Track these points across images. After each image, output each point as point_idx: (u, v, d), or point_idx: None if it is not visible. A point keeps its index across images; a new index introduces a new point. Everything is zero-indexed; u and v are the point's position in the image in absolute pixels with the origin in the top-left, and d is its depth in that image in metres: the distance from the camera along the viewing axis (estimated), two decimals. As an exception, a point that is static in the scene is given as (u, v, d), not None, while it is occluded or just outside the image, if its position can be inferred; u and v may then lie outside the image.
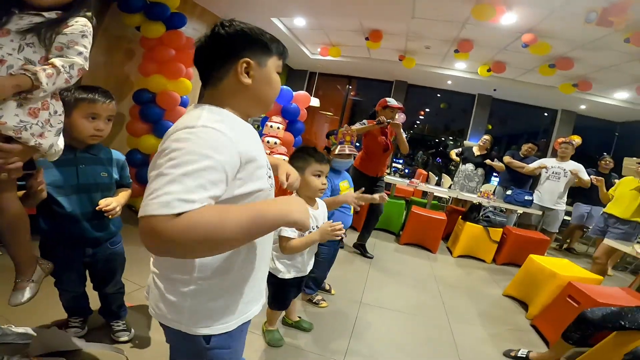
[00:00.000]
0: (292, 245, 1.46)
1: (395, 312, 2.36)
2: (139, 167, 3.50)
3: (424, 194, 5.10)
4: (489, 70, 5.22)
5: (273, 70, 0.84)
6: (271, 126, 3.59)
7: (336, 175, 2.10)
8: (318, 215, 1.59)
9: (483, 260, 3.79)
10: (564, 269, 2.61)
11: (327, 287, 2.46)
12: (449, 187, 5.10)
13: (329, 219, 1.71)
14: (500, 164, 4.44)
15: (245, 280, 0.84)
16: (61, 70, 1.02)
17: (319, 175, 1.54)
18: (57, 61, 1.02)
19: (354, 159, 2.26)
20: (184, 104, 3.70)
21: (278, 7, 4.39)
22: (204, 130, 0.67)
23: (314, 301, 2.25)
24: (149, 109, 3.43)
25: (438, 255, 3.76)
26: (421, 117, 8.24)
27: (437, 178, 5.80)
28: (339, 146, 2.14)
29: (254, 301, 0.89)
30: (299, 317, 1.99)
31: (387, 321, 2.22)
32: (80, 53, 1.09)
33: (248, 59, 0.78)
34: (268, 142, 3.53)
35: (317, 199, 1.62)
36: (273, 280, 1.62)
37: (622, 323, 1.68)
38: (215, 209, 0.63)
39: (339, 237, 1.46)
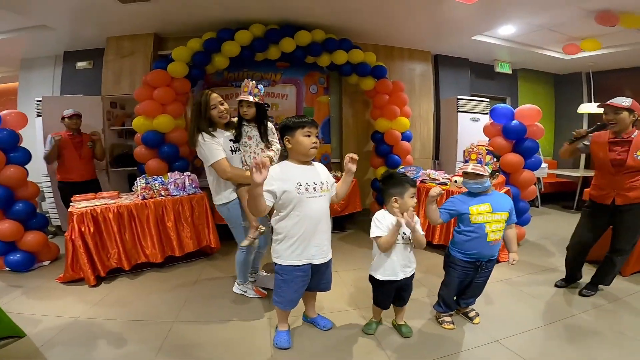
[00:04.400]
0: (380, 242, 1.84)
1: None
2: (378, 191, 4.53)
3: None
4: None
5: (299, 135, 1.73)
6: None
7: (469, 198, 2.00)
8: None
9: None
10: None
11: (472, 314, 2.22)
12: None
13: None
14: None
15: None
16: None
17: (413, 197, 1.84)
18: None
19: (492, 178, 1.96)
20: (407, 138, 4.40)
21: (474, 27, 4.32)
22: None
23: (439, 320, 2.18)
24: (380, 146, 4.46)
25: None
26: None
27: None
28: (463, 165, 2.03)
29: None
30: (404, 322, 2.10)
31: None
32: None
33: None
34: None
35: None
36: (372, 279, 2.00)
37: None
38: None
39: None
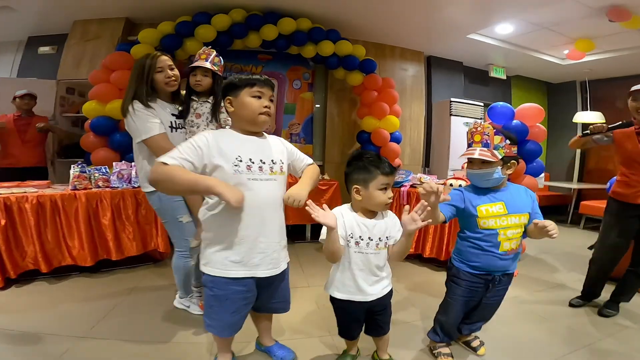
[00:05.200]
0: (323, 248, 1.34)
1: None
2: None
3: None
4: None
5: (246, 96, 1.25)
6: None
7: (476, 195, 1.52)
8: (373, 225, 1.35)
9: None
10: None
11: (476, 344, 1.72)
12: None
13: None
14: None
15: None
16: None
17: (385, 189, 1.31)
18: None
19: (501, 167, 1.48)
20: (396, 139, 3.99)
21: (469, 23, 4.03)
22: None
23: (434, 352, 1.67)
24: (367, 147, 4.05)
25: None
26: None
27: None
28: (466, 150, 1.53)
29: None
30: (389, 356, 1.59)
31: None
32: None
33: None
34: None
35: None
36: (332, 300, 1.48)
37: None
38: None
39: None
